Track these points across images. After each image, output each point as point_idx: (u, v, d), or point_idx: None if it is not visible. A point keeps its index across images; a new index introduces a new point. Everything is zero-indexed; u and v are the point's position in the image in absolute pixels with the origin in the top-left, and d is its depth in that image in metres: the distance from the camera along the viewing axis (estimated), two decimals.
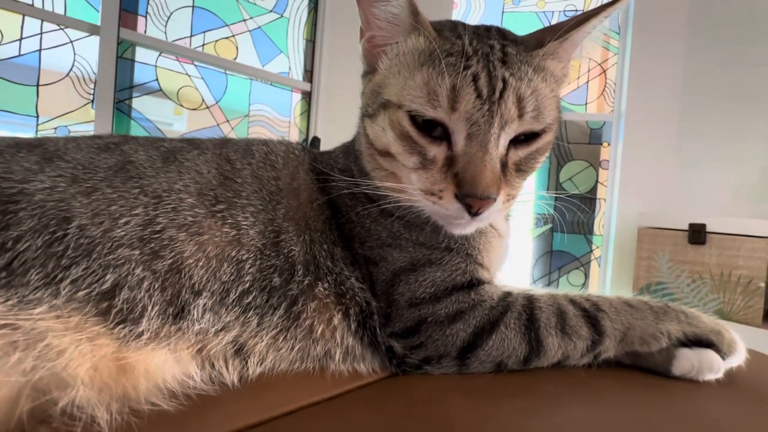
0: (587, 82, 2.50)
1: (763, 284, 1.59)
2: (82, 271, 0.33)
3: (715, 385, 0.42)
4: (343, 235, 0.46)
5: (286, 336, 0.40)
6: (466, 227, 0.42)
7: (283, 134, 2.30)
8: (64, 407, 0.29)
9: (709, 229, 1.76)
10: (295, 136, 2.34)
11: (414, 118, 0.39)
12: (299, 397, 0.36)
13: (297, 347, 0.41)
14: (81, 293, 0.33)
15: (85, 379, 0.31)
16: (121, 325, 0.34)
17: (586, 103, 2.50)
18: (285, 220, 0.43)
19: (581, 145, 2.52)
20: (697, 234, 1.75)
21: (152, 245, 0.36)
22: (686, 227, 1.81)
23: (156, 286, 0.35)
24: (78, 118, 1.66)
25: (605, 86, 2.47)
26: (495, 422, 0.33)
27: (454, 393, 0.38)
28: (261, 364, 0.40)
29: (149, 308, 0.35)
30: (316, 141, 2.22)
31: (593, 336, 0.42)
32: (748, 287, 1.60)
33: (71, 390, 0.30)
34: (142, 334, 0.34)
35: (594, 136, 2.51)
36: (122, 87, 1.75)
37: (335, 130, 2.32)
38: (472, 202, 0.37)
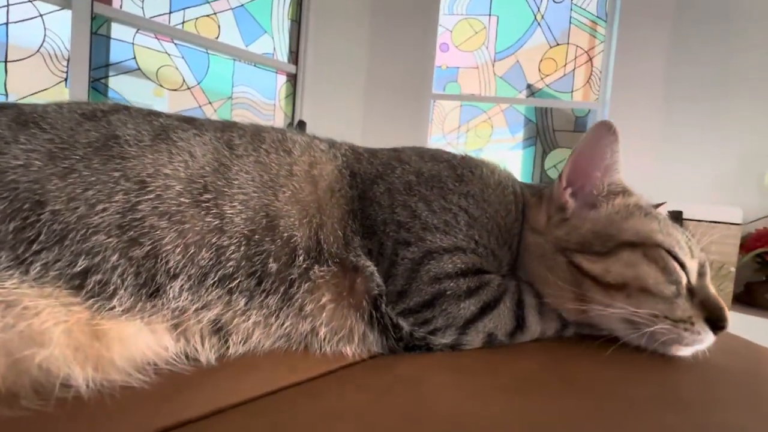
0: (574, 69, 2.52)
1: (734, 269, 1.66)
2: (54, 256, 0.33)
3: (688, 363, 0.44)
4: (370, 223, 0.47)
5: (278, 316, 0.41)
6: (702, 345, 0.44)
7: (267, 118, 2.25)
8: (40, 364, 0.30)
9: (686, 216, 1.81)
10: (280, 120, 2.29)
11: (670, 254, 0.46)
12: (282, 377, 0.36)
13: (288, 325, 0.41)
14: (51, 273, 0.33)
15: (61, 339, 0.31)
16: (93, 300, 0.34)
17: (572, 91, 2.52)
18: (288, 203, 0.43)
19: (566, 132, 2.55)
20: (674, 221, 1.81)
21: (131, 233, 0.35)
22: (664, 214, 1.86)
23: (130, 271, 0.35)
24: (51, 97, 1.59)
25: (591, 74, 2.49)
26: (476, 398, 0.34)
27: (437, 370, 0.39)
28: (244, 343, 0.40)
29: (121, 290, 0.35)
30: (302, 125, 2.19)
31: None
32: (720, 272, 1.67)
33: (48, 348, 0.31)
34: (114, 308, 0.35)
35: (579, 124, 2.54)
36: (98, 65, 1.68)
37: (322, 114, 2.29)
38: (725, 325, 0.44)
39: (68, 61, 1.59)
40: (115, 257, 0.35)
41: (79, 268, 0.34)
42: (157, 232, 0.36)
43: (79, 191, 0.35)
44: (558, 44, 2.53)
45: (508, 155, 2.60)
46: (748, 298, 1.87)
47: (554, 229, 0.50)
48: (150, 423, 0.29)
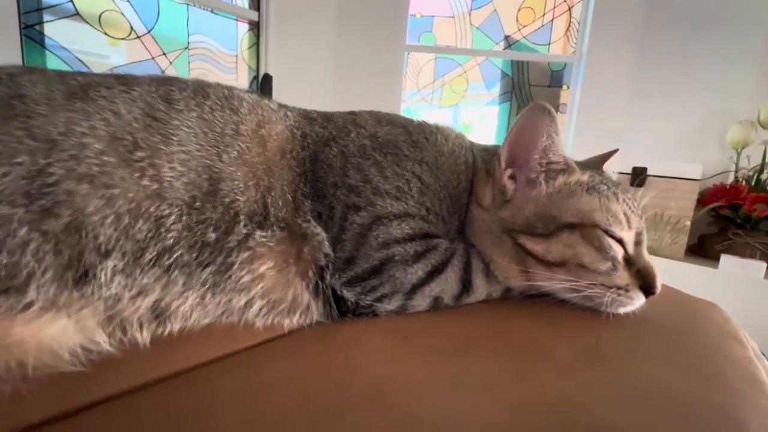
0: (552, 20, 2.42)
1: (689, 223, 1.74)
2: None
3: (620, 319, 0.46)
4: (320, 186, 0.45)
5: (214, 292, 0.38)
6: (633, 307, 0.48)
7: (230, 71, 2.10)
8: None
9: (650, 172, 1.86)
10: (244, 73, 2.15)
11: (606, 233, 0.47)
12: (215, 349, 0.36)
13: (224, 300, 0.39)
14: None
15: None
16: (2, 297, 0.29)
17: (549, 43, 2.45)
18: (232, 165, 0.40)
19: (542, 87, 2.51)
20: (639, 177, 1.85)
21: (42, 202, 0.31)
22: (630, 170, 1.90)
23: (47, 248, 0.31)
24: None
25: (569, 25, 2.41)
26: (409, 360, 0.35)
27: (377, 334, 0.40)
28: (182, 323, 0.38)
29: (38, 274, 0.30)
30: (267, 79, 2.06)
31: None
32: (676, 225, 1.75)
33: None
34: (31, 304, 0.30)
35: (555, 79, 2.50)
36: (28, 9, 1.49)
37: (289, 66, 2.15)
38: (655, 291, 0.47)
39: None
40: (23, 231, 0.30)
41: None
42: (77, 200, 0.32)
43: None
44: None
45: (484, 111, 2.55)
46: (701, 249, 1.98)
47: (498, 210, 0.50)
48: (68, 401, 0.28)
